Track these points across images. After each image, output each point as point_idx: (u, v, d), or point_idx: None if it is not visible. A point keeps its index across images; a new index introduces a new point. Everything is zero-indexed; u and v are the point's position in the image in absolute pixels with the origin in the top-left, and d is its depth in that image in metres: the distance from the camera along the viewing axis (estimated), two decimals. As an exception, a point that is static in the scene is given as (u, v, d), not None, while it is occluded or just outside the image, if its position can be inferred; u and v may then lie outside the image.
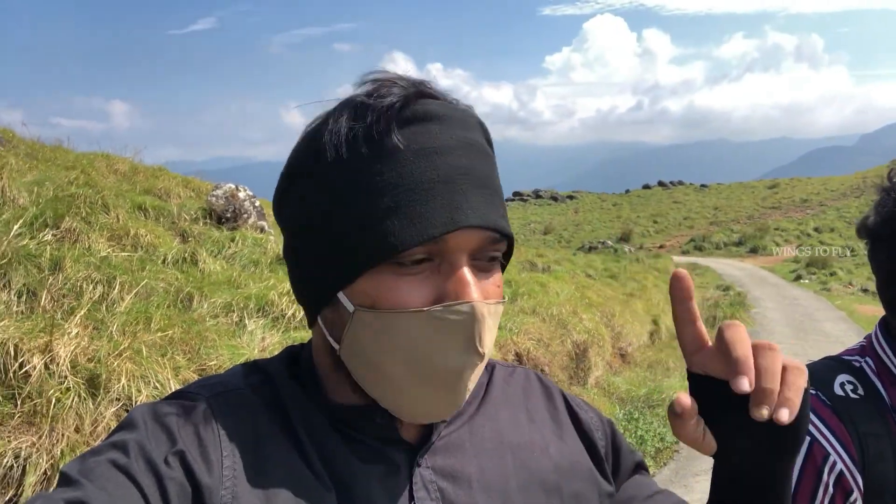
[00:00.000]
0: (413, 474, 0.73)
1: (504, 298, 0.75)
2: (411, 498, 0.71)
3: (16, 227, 4.05)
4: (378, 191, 0.66)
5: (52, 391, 2.57)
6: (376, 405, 0.71)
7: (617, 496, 0.85)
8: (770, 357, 0.64)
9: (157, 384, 2.87)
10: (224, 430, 0.67)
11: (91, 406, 2.63)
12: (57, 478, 0.62)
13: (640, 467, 0.92)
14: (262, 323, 3.98)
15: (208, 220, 6.34)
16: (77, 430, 2.58)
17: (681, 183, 70.04)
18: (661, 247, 36.24)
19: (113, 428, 0.67)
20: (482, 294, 0.67)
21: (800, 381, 0.64)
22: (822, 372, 1.13)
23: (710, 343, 0.68)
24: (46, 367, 2.66)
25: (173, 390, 0.71)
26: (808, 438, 1.02)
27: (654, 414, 6.69)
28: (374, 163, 0.67)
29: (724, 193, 59.36)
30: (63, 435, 2.52)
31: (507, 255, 0.76)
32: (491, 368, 0.88)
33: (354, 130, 0.67)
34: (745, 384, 0.62)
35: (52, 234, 4.29)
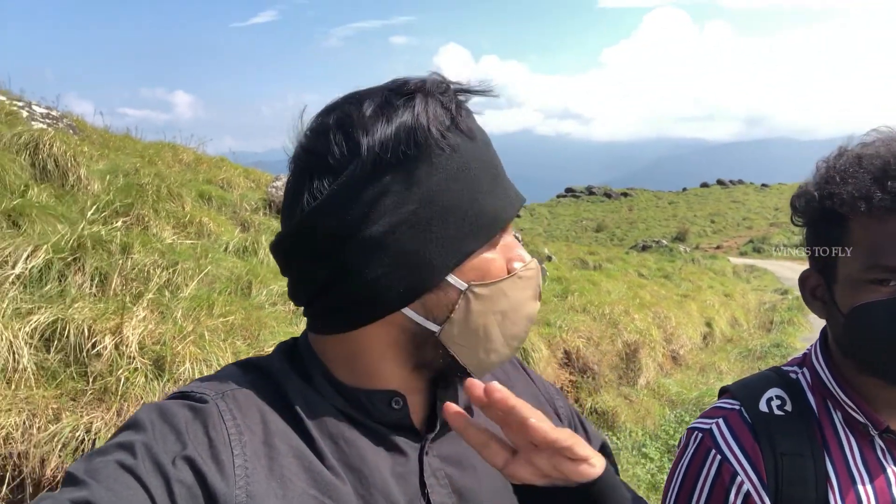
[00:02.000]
0: (422, 461, 0.74)
1: None
2: (423, 485, 0.73)
3: (90, 213, 4.26)
4: (476, 175, 0.73)
5: (121, 371, 2.71)
6: (394, 391, 0.75)
7: None
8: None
9: (218, 367, 2.99)
10: (233, 429, 0.67)
11: (157, 386, 2.76)
12: (63, 478, 0.61)
13: (605, 447, 0.97)
14: (318, 312, 4.08)
15: (268, 211, 6.52)
16: (144, 409, 2.72)
17: (741, 182, 68.06)
18: (717, 247, 35.32)
19: (119, 427, 0.67)
20: None
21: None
22: (753, 385, 1.08)
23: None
24: (116, 347, 2.80)
25: (175, 390, 0.74)
26: (718, 457, 0.99)
27: (705, 418, 6.56)
28: (464, 151, 0.73)
29: (786, 194, 57.13)
30: (131, 412, 2.66)
31: None
32: None
33: (440, 117, 0.71)
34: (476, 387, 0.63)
35: (122, 221, 4.49)
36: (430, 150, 0.69)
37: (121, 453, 0.61)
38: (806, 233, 1.06)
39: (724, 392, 1.12)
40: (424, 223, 0.70)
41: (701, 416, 1.08)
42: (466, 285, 0.72)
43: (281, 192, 7.02)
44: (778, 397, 1.04)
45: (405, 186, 0.70)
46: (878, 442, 0.99)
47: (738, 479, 0.97)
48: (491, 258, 0.74)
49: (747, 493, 0.97)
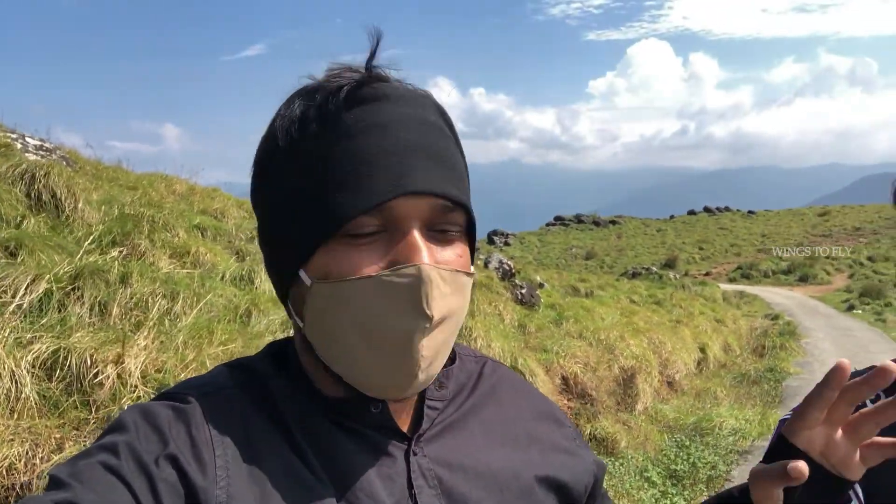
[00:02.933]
0: (409, 463, 0.73)
1: (472, 272, 0.75)
2: (410, 486, 0.71)
3: (86, 243, 4.25)
4: (328, 167, 0.67)
5: (124, 399, 2.68)
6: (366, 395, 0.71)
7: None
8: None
9: (220, 396, 2.97)
10: (216, 429, 0.67)
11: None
12: (46, 481, 0.61)
13: (602, 470, 0.94)
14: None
15: (262, 240, 6.52)
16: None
17: (727, 209, 68.75)
18: (706, 274, 35.54)
19: (102, 430, 0.66)
20: (434, 259, 0.68)
21: None
22: None
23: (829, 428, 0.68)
24: (119, 376, 2.78)
25: (160, 391, 0.73)
26: None
27: (704, 443, 6.55)
28: (323, 141, 0.68)
29: (773, 220, 58.01)
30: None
31: (472, 231, 0.76)
32: (482, 362, 0.90)
33: (307, 111, 0.69)
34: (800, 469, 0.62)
35: (119, 251, 4.48)
36: (280, 148, 0.70)
37: (104, 454, 0.61)
38: None
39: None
40: (276, 217, 0.71)
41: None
42: (311, 281, 0.68)
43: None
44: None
45: (264, 182, 0.73)
46: None
47: None
48: (343, 257, 0.67)
49: None
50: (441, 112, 0.75)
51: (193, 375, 2.48)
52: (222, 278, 4.94)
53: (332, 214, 0.66)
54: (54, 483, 0.59)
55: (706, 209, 68.64)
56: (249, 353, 3.53)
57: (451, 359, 0.85)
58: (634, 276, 26.18)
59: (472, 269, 0.76)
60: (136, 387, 2.76)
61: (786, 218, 58.25)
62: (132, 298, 3.71)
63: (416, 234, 0.67)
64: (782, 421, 1.12)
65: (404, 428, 0.76)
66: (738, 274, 34.85)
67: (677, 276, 26.49)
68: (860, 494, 0.95)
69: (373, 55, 0.71)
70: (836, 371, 0.65)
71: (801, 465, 0.62)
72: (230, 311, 4.15)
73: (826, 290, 25.58)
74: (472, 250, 0.77)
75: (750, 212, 65.86)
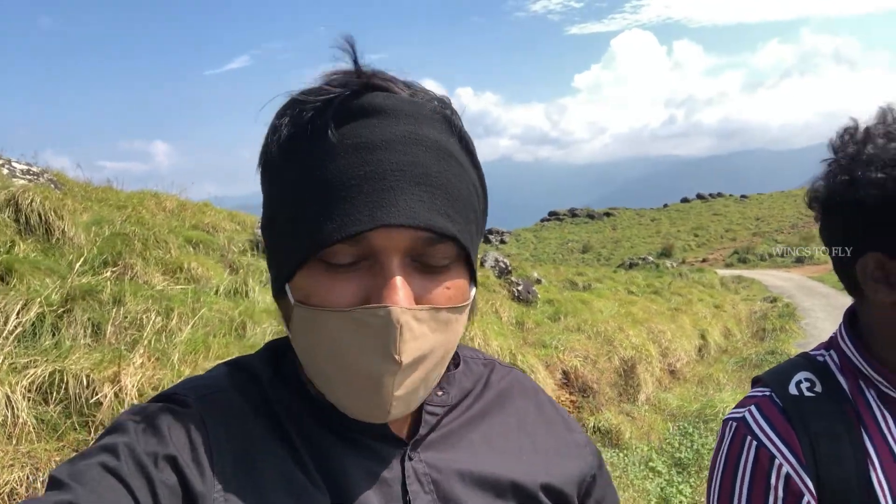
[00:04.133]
0: (405, 468, 0.72)
1: (467, 302, 0.72)
2: (405, 492, 0.71)
3: (77, 265, 4.24)
4: (308, 188, 0.65)
5: (122, 419, 2.67)
6: None
7: None
8: None
9: (219, 410, 2.96)
10: (213, 432, 0.67)
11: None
12: (46, 482, 0.61)
13: None
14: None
15: (256, 252, 6.51)
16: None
17: (720, 195, 68.90)
18: (703, 260, 35.60)
19: (102, 431, 0.67)
20: (411, 298, 0.65)
21: None
22: (782, 370, 1.08)
23: None
24: (116, 395, 2.77)
25: (159, 392, 0.73)
26: (755, 443, 0.99)
27: (708, 429, 6.55)
28: (308, 160, 0.66)
29: (766, 203, 58.15)
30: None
31: (472, 259, 0.72)
32: (491, 367, 0.89)
33: (294, 127, 0.67)
34: None
35: (112, 271, 4.47)
36: (273, 158, 0.69)
37: (104, 455, 0.61)
38: (865, 218, 1.00)
39: (756, 382, 1.12)
40: (269, 226, 0.71)
41: (735, 407, 1.08)
42: (293, 300, 0.68)
43: (268, 233, 7.02)
44: (807, 380, 1.04)
45: (263, 186, 0.73)
46: None
47: (777, 461, 0.97)
48: (321, 282, 0.65)
49: (787, 475, 0.96)
50: (451, 125, 0.70)
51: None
52: (216, 292, 4.93)
53: (311, 239, 0.64)
54: (54, 484, 0.59)
55: (699, 196, 68.80)
56: (247, 365, 3.54)
57: (456, 363, 0.84)
58: (631, 266, 26.22)
59: (472, 291, 0.73)
60: (134, 405, 2.75)
61: (779, 200, 58.37)
62: (126, 317, 3.70)
63: (394, 269, 0.64)
64: (755, 380, 1.13)
65: (403, 432, 0.75)
66: (734, 259, 34.92)
67: (674, 265, 26.55)
68: (811, 488, 0.96)
69: (356, 62, 0.68)
70: None
71: None
72: (225, 324, 4.15)
73: (824, 269, 25.65)
74: (474, 276, 0.74)
75: (743, 196, 66.01)
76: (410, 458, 0.73)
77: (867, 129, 1.01)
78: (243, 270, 5.81)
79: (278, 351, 0.78)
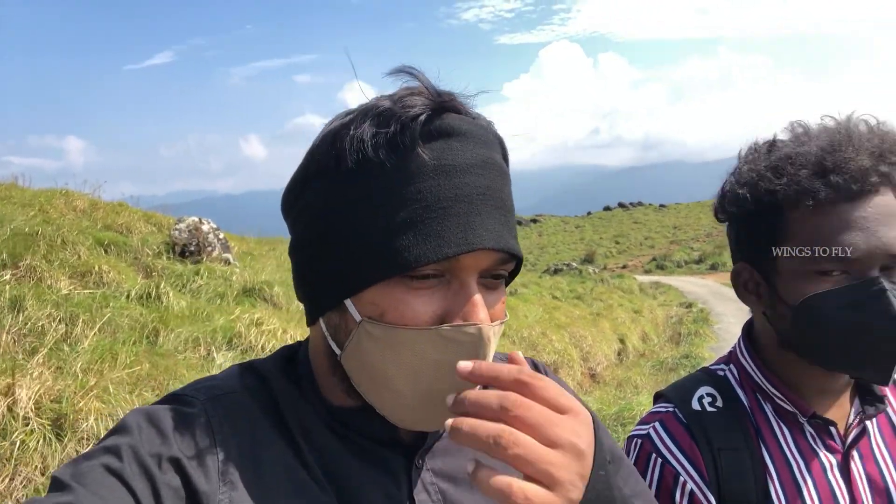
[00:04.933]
0: (412, 476, 0.72)
1: (506, 316, 0.75)
2: (412, 500, 0.71)
3: (-29, 267, 3.95)
4: (397, 204, 0.65)
5: (15, 434, 2.49)
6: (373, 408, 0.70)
7: None
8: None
9: (125, 422, 2.80)
10: (220, 434, 0.66)
11: (58, 447, 2.55)
12: (49, 483, 0.59)
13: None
14: (231, 356, 3.93)
15: (172, 255, 6.26)
16: (42, 473, 2.50)
17: (640, 204, 71.43)
18: (623, 267, 36.78)
19: (105, 433, 0.66)
20: (489, 316, 0.67)
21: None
22: (685, 386, 1.10)
23: None
24: (10, 409, 2.58)
25: (169, 393, 0.72)
26: (659, 460, 1.01)
27: (625, 431, 6.74)
28: (395, 174, 0.65)
29: (683, 213, 60.67)
30: (28, 478, 2.44)
31: (514, 272, 0.76)
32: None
33: (377, 138, 0.66)
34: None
35: (12, 274, 4.19)
36: (345, 168, 0.67)
37: (107, 457, 0.61)
38: (735, 231, 1.07)
39: (658, 397, 1.13)
40: (325, 239, 0.69)
41: (638, 423, 1.09)
42: (360, 318, 0.67)
43: (184, 235, 6.76)
44: (709, 395, 1.06)
45: (315, 198, 0.70)
46: (808, 428, 1.02)
47: (681, 479, 0.98)
48: (400, 298, 0.65)
49: (691, 492, 0.98)
50: (502, 145, 0.73)
51: (96, 402, 2.33)
52: (128, 297, 4.70)
53: (398, 258, 0.64)
54: (57, 485, 0.59)
55: (621, 205, 71.11)
56: (158, 374, 3.37)
57: None
58: (556, 272, 26.77)
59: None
60: (28, 419, 2.57)
61: (695, 210, 60.99)
62: (26, 324, 3.47)
63: (476, 288, 0.66)
64: (657, 395, 1.16)
65: (408, 441, 0.75)
66: (653, 265, 36.22)
67: (596, 271, 27.27)
68: (712, 501, 0.97)
69: (427, 84, 0.69)
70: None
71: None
72: (135, 331, 3.95)
73: (734, 276, 26.72)
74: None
75: (661, 205, 68.64)
76: (418, 467, 0.73)
77: (749, 149, 1.05)
78: (157, 274, 5.57)
79: (292, 356, 0.78)
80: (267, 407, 0.71)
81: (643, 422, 1.08)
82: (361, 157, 0.66)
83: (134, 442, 0.62)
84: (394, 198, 0.65)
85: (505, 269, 0.70)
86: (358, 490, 0.69)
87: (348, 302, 0.67)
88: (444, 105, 0.68)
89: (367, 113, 0.67)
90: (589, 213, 70.35)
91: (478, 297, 0.66)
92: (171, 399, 0.69)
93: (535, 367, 0.91)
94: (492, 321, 0.68)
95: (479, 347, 0.65)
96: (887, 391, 1.08)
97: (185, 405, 0.68)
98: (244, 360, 0.76)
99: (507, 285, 0.76)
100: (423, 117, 0.66)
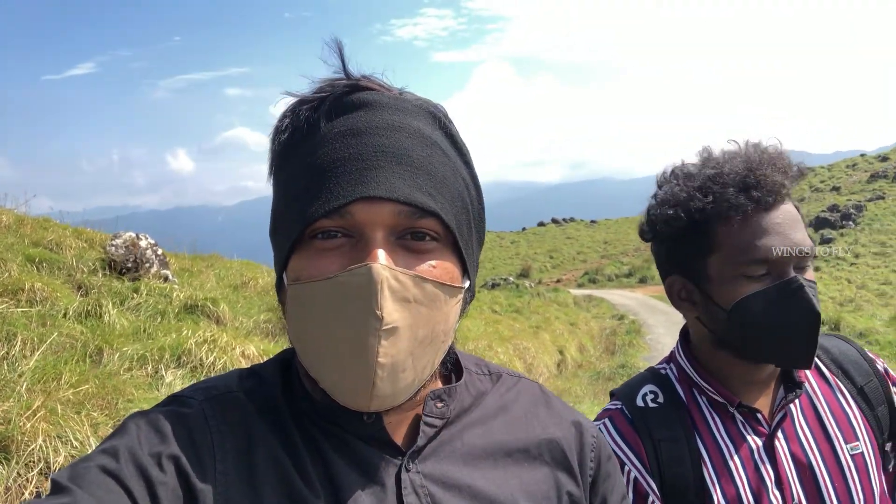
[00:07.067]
0: (402, 479, 0.72)
1: (455, 284, 0.72)
2: (400, 502, 0.71)
3: None
4: (301, 174, 0.70)
5: (-41, 458, 2.37)
6: None
7: None
8: None
9: (75, 442, 2.70)
10: (217, 435, 0.68)
11: (4, 471, 2.44)
12: (49, 486, 0.60)
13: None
14: (181, 373, 3.83)
15: (108, 271, 6.03)
16: (-13, 499, 2.38)
17: (573, 220, 73.04)
18: (558, 281, 37.46)
19: (105, 437, 0.67)
20: (396, 265, 0.66)
21: None
22: (632, 384, 1.24)
23: None
24: (-50, 433, 2.45)
25: (171, 394, 0.73)
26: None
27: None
28: (301, 152, 0.71)
29: (613, 228, 62.39)
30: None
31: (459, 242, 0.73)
32: (497, 378, 0.89)
33: (292, 128, 0.72)
34: None
35: (-62, 292, 3.96)
36: (274, 159, 0.74)
37: (104, 458, 0.62)
38: (665, 247, 1.21)
39: (612, 395, 1.27)
40: (272, 230, 0.75)
41: (594, 420, 1.18)
42: (286, 284, 0.71)
43: (121, 251, 6.53)
44: (651, 392, 1.20)
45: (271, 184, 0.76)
46: (738, 416, 1.16)
47: (626, 468, 1.11)
48: (309, 260, 0.68)
49: (635, 479, 1.10)
50: (436, 119, 0.75)
51: (43, 423, 2.24)
52: (65, 315, 4.51)
53: (299, 218, 0.67)
54: (55, 487, 0.59)
55: (554, 220, 72.52)
56: (105, 394, 3.25)
57: (458, 375, 0.85)
58: (494, 287, 27.03)
59: (465, 282, 0.74)
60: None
61: (624, 225, 62.80)
62: (-41, 345, 3.29)
63: (377, 241, 0.66)
64: (611, 393, 1.26)
65: (402, 443, 0.75)
66: (586, 279, 37.05)
67: (532, 285, 27.69)
68: (655, 489, 1.10)
69: (344, 64, 0.73)
70: None
71: None
72: (77, 350, 3.80)
73: (662, 290, 27.63)
74: (466, 264, 0.75)
75: (592, 221, 70.40)
76: (408, 470, 0.73)
77: (670, 171, 1.20)
78: (95, 291, 5.36)
79: (287, 357, 0.80)
80: (264, 409, 0.72)
81: (597, 418, 1.21)
82: (281, 146, 0.73)
83: (131, 443, 0.63)
84: (301, 170, 0.70)
85: (421, 225, 0.68)
86: (348, 491, 0.69)
87: (284, 275, 0.71)
88: (355, 86, 0.72)
89: (290, 105, 0.74)
90: (524, 229, 71.44)
91: (379, 245, 0.66)
92: (171, 400, 0.71)
93: (542, 391, 0.93)
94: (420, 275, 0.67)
95: (369, 287, 0.63)
96: (809, 375, 1.22)
97: (183, 405, 0.70)
98: (196, 380, 0.78)
99: (466, 271, 0.75)
100: (329, 98, 0.71)
